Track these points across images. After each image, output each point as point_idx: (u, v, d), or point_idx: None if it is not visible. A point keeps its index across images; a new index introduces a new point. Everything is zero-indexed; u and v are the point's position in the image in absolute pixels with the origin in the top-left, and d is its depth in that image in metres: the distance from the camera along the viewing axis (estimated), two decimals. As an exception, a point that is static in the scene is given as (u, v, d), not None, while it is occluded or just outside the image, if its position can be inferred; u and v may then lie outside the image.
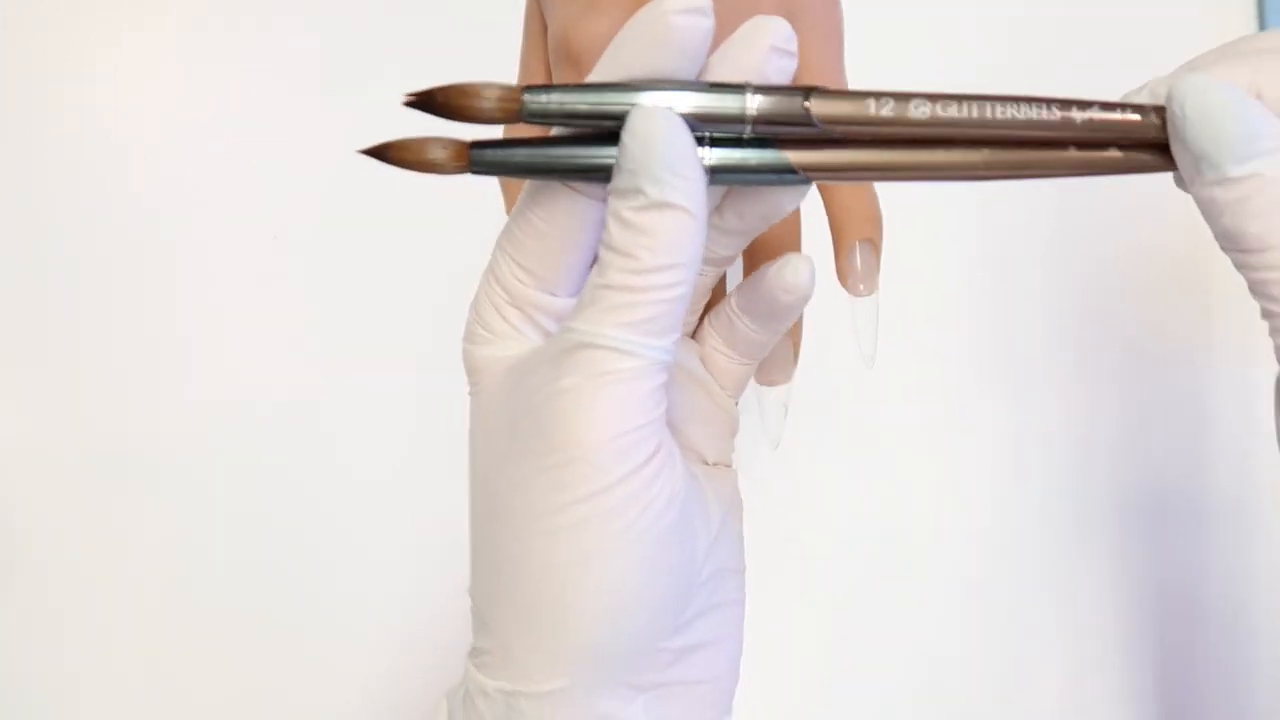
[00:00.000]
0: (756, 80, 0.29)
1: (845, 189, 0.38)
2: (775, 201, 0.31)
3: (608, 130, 0.28)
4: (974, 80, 0.65)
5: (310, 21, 0.59)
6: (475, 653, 0.31)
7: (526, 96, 0.28)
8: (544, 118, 0.28)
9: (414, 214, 0.54)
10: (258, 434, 0.56)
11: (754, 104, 0.28)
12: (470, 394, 0.32)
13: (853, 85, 0.40)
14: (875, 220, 0.39)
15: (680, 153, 0.27)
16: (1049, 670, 0.59)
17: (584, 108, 0.28)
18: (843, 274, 0.39)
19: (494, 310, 0.31)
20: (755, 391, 0.40)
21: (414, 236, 0.56)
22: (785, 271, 0.32)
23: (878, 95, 0.29)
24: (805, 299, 0.32)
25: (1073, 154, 0.29)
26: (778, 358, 0.39)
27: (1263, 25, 0.65)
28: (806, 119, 0.28)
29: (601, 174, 0.29)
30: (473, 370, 0.31)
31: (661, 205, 0.27)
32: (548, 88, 0.28)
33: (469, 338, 0.32)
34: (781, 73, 0.29)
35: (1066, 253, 0.62)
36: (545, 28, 0.41)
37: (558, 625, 0.28)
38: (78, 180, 0.56)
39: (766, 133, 0.29)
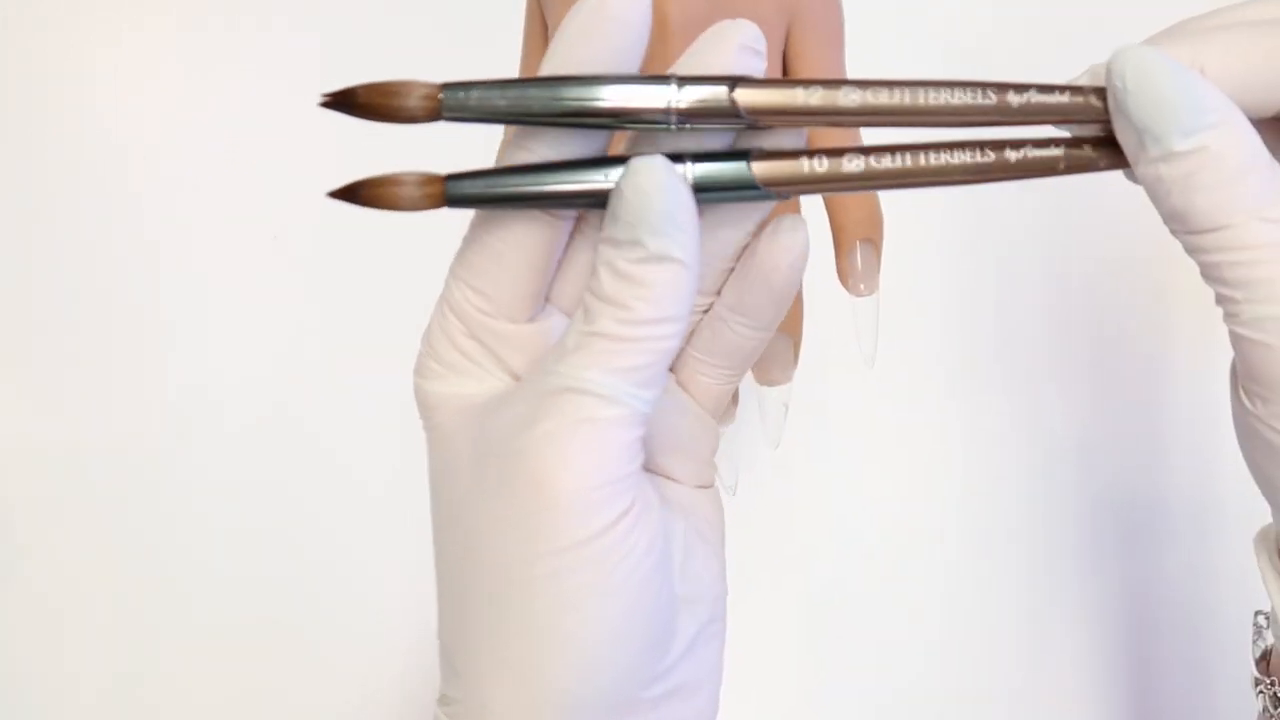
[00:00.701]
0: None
1: None
2: (738, 219, 0.30)
3: (538, 123, 0.28)
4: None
5: (310, 21, 0.59)
6: (445, 700, 0.30)
7: (444, 94, 0.27)
8: (463, 114, 0.27)
9: (416, 214, 0.54)
10: (258, 434, 0.56)
11: (679, 95, 0.27)
12: (425, 429, 0.30)
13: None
14: (875, 220, 0.39)
15: (681, 204, 0.27)
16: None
17: (504, 104, 0.27)
18: (843, 274, 0.39)
19: (448, 342, 0.30)
20: (755, 392, 0.40)
21: (416, 237, 0.56)
22: (781, 229, 0.30)
23: (806, 83, 0.28)
24: (803, 257, 0.30)
25: (1052, 152, 0.28)
26: (778, 358, 0.39)
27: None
28: (734, 110, 0.27)
29: (593, 200, 0.28)
30: (426, 406, 0.30)
31: (660, 258, 0.27)
32: (468, 84, 0.27)
33: (420, 372, 0.30)
34: (752, 71, 0.28)
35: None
36: (545, 27, 0.41)
37: (533, 676, 0.27)
38: (78, 180, 0.56)
39: (695, 124, 0.28)
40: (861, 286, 0.39)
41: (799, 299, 0.40)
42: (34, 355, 0.55)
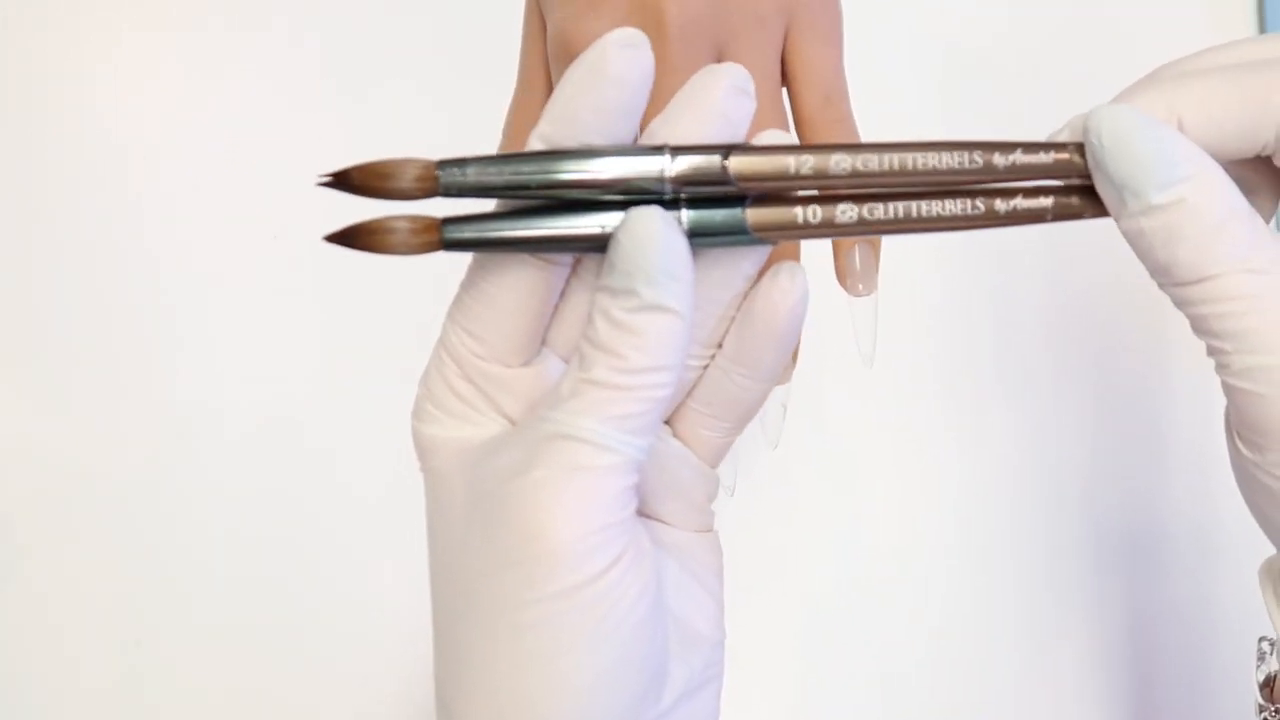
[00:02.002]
0: (718, 122, 0.28)
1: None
2: (734, 265, 0.30)
3: (535, 198, 0.28)
4: (970, 81, 0.65)
5: (310, 21, 0.59)
6: None
7: (441, 172, 0.28)
8: (460, 191, 0.28)
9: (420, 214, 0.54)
10: (258, 437, 0.56)
11: (672, 165, 0.28)
12: (422, 472, 0.31)
13: (850, 84, 0.41)
14: (874, 220, 0.39)
15: (676, 255, 0.27)
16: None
17: (499, 180, 0.28)
18: (841, 274, 0.39)
19: (445, 385, 0.30)
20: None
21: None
22: (779, 275, 0.30)
23: (797, 151, 0.29)
24: (802, 301, 0.31)
25: (1040, 202, 0.29)
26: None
27: (1263, 25, 0.64)
28: (726, 178, 0.28)
29: (590, 245, 0.28)
30: (422, 450, 0.31)
31: (655, 308, 0.27)
32: (463, 161, 0.28)
33: (418, 415, 0.31)
34: (742, 112, 0.29)
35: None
36: (544, 28, 0.41)
37: None
38: (77, 181, 0.56)
39: (688, 193, 0.28)
40: (860, 286, 0.39)
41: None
42: (34, 357, 0.55)
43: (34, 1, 0.57)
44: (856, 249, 0.39)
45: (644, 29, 0.37)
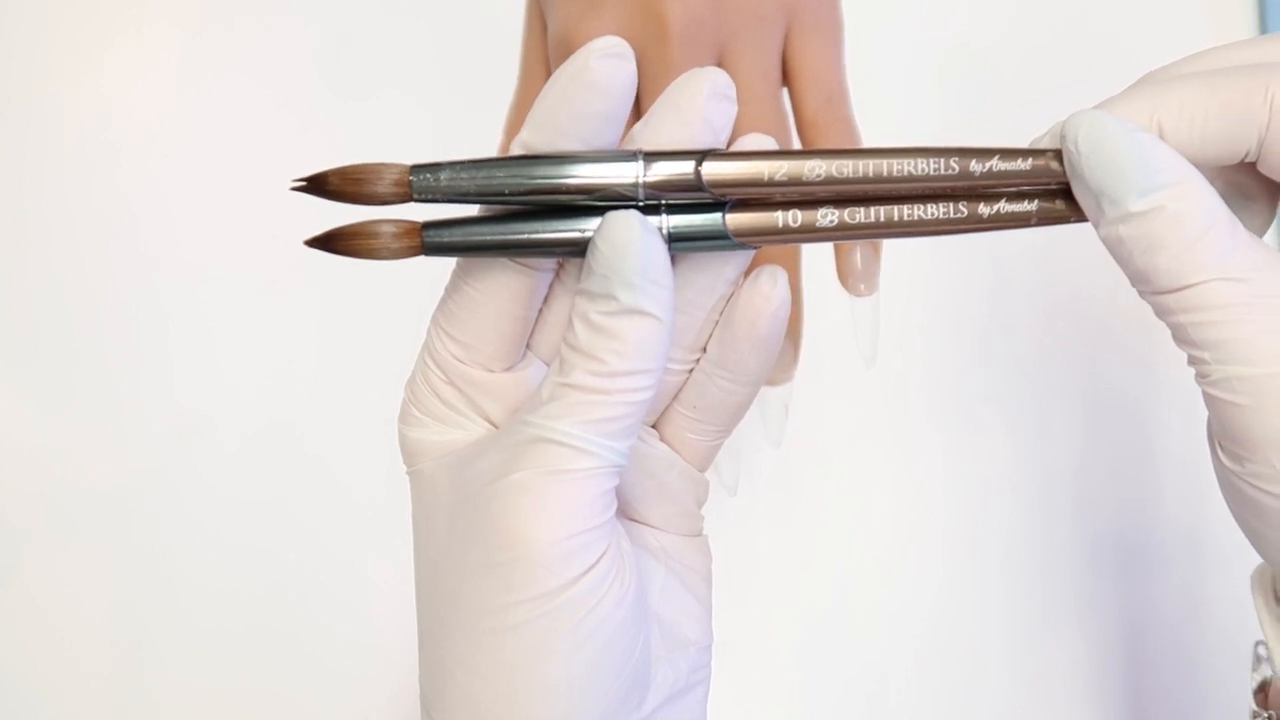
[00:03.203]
0: (699, 126, 0.28)
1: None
2: (717, 269, 0.30)
3: (509, 203, 0.28)
4: (969, 82, 0.65)
5: (310, 20, 0.59)
6: None
7: (414, 177, 0.28)
8: (433, 196, 0.28)
9: (421, 214, 0.54)
10: (257, 437, 0.56)
11: (646, 171, 0.28)
12: (408, 475, 0.31)
13: (850, 83, 0.41)
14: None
15: (654, 259, 0.27)
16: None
17: (473, 186, 0.28)
18: (843, 273, 0.39)
19: (429, 390, 0.30)
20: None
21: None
22: (760, 280, 0.30)
23: (771, 156, 0.29)
24: (784, 305, 0.30)
25: (1024, 207, 0.29)
26: (779, 358, 0.39)
27: (1263, 25, 0.65)
28: (700, 184, 0.28)
29: (572, 249, 0.28)
30: (408, 453, 0.31)
31: (633, 312, 0.27)
32: (436, 166, 0.28)
33: (403, 418, 0.31)
34: (723, 117, 0.29)
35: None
36: (545, 27, 0.41)
37: None
38: (75, 182, 0.56)
39: (668, 199, 0.28)
40: (861, 287, 0.39)
41: (799, 299, 0.40)
42: (34, 357, 0.55)
43: (34, 1, 0.57)
44: (858, 249, 0.39)
45: (645, 30, 0.37)
